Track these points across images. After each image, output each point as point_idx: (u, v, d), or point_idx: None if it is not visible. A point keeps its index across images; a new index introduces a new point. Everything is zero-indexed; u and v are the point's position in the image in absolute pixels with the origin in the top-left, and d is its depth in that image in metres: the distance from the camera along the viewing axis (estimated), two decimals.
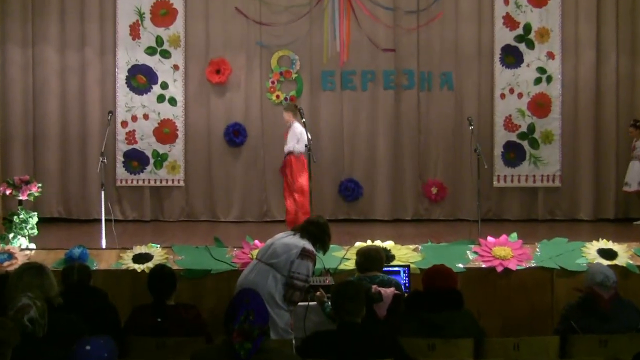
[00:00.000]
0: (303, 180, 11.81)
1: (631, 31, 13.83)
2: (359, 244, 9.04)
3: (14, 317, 4.79)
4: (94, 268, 8.67)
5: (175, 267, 8.50)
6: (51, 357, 4.79)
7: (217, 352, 4.75)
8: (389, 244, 9.36)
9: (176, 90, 13.85)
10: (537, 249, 9.43)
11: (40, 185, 10.56)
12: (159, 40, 13.78)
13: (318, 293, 6.97)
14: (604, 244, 9.43)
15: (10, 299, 5.11)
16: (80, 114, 13.84)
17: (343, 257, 8.90)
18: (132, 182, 13.75)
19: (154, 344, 5.93)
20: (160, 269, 6.72)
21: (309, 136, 10.97)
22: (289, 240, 7.02)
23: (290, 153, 12.15)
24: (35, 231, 10.11)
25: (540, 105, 13.84)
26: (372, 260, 7.16)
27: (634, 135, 13.09)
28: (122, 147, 13.74)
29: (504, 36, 13.88)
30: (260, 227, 12.36)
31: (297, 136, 12.03)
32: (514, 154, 13.74)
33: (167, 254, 9.25)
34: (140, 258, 9.23)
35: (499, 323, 8.39)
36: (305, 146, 10.96)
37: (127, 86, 13.79)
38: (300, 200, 11.94)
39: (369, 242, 9.29)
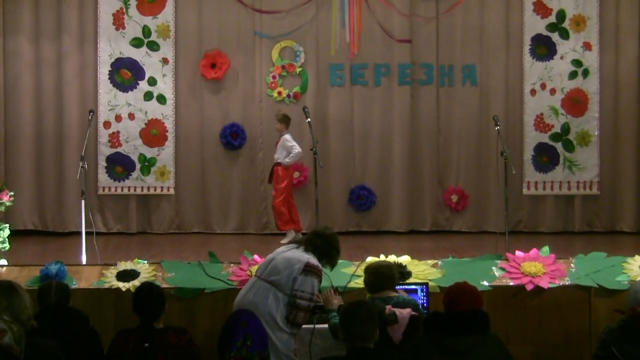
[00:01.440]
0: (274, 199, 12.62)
1: None
2: (370, 259, 9.05)
3: None
4: (73, 287, 8.68)
5: (164, 285, 8.53)
6: None
7: None
8: (404, 259, 9.39)
9: (165, 86, 13.90)
10: (573, 265, 9.44)
11: (12, 193, 10.60)
12: (146, 31, 13.84)
13: (328, 293, 6.95)
14: None
15: None
16: (57, 113, 13.88)
17: (353, 274, 8.92)
18: (116, 190, 13.79)
19: None
20: (148, 287, 6.73)
21: (315, 138, 10.99)
22: (291, 254, 7.03)
23: (278, 164, 12.54)
24: (6, 245, 10.15)
25: (575, 103, 13.87)
26: (383, 278, 7.14)
27: None
28: (104, 150, 13.77)
29: (535, 24, 13.93)
30: (260, 240, 12.40)
31: (288, 149, 12.45)
32: (546, 158, 13.76)
33: (155, 270, 9.27)
34: (125, 275, 9.25)
35: (529, 349, 8.40)
36: (311, 149, 10.97)
37: (110, 82, 13.83)
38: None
39: (382, 257, 9.32)
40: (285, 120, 12.67)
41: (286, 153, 12.42)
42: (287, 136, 12.51)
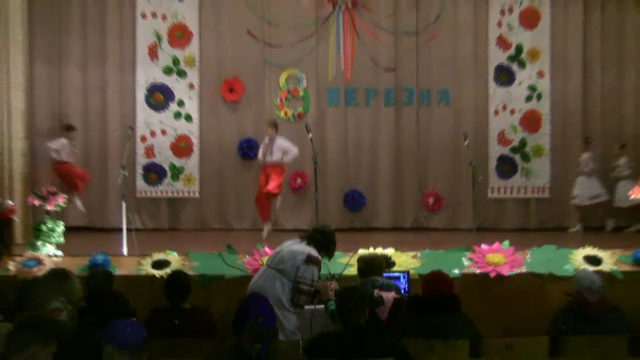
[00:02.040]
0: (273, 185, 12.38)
1: (615, 49, 13.93)
2: (362, 251, 9.04)
3: None
4: (116, 274, 8.64)
5: (190, 272, 8.49)
6: (78, 358, 4.81)
7: (229, 354, 4.76)
8: (390, 251, 9.35)
9: (191, 107, 13.88)
10: (528, 256, 9.41)
11: (65, 196, 10.60)
12: (176, 61, 13.83)
13: (322, 285, 6.94)
14: (590, 250, 9.44)
15: (39, 301, 5.14)
16: (102, 130, 13.88)
17: (347, 263, 8.89)
18: (150, 193, 13.78)
19: (170, 345, 5.94)
20: (177, 274, 6.75)
21: (316, 151, 10.96)
22: (295, 247, 7.01)
23: (277, 163, 12.46)
24: (61, 239, 10.12)
25: (531, 121, 13.88)
26: (372, 266, 7.16)
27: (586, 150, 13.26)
28: (141, 160, 13.78)
29: (498, 56, 13.94)
30: (270, 235, 12.36)
31: (286, 150, 12.48)
32: (507, 167, 13.78)
33: (183, 260, 9.26)
34: (158, 264, 9.24)
35: (494, 325, 8.36)
36: (312, 159, 10.94)
37: (146, 103, 13.83)
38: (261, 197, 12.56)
39: (371, 249, 9.30)
40: (276, 125, 12.63)
41: (281, 154, 12.42)
42: (283, 139, 12.55)
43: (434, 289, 6.37)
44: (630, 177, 12.77)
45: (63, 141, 12.94)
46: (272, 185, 12.33)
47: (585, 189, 13.14)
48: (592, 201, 13.15)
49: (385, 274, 7.43)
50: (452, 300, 6.33)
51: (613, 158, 13.26)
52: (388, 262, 8.94)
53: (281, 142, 12.48)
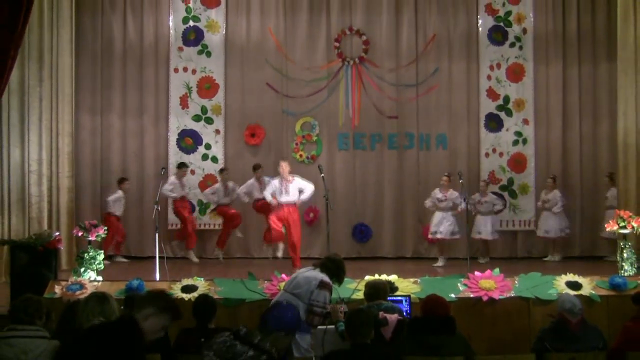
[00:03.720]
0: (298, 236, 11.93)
1: (591, 101, 13.95)
2: (368, 277, 9.02)
3: None
4: None
5: (215, 296, 8.46)
6: None
7: None
8: (393, 278, 9.32)
9: (217, 150, 13.97)
10: (516, 282, 9.37)
11: (106, 228, 10.63)
12: (204, 109, 13.93)
13: (333, 308, 6.92)
14: (571, 277, 9.41)
15: (81, 320, 5.16)
16: (139, 170, 13.97)
17: (355, 288, 8.84)
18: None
19: None
20: (204, 298, 6.72)
21: (327, 189, 10.98)
22: (309, 274, 7.00)
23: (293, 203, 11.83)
24: (101, 266, 10.13)
25: (517, 163, 13.92)
26: (379, 290, 7.14)
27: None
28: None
29: (488, 105, 14.01)
30: (287, 263, 12.28)
31: (301, 186, 11.78)
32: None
33: (209, 285, 9.24)
34: (187, 289, 9.22)
35: (485, 344, 8.30)
36: (324, 196, 10.93)
37: (177, 147, 13.92)
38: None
39: (376, 276, 9.28)
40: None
41: (298, 193, 11.74)
42: (299, 179, 11.88)
43: (431, 311, 6.34)
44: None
45: (119, 194, 13.14)
46: (297, 237, 11.79)
47: (555, 223, 13.13)
48: (562, 233, 13.17)
49: (389, 298, 7.42)
50: (448, 321, 6.29)
51: (606, 188, 13.15)
52: (392, 288, 8.91)
53: (298, 181, 11.88)
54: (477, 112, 14.03)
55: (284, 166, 11.83)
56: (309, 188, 11.81)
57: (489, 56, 14.02)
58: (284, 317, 4.90)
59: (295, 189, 11.77)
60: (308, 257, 12.68)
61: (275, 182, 11.85)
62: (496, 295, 9.09)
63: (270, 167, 13.73)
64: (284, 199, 11.70)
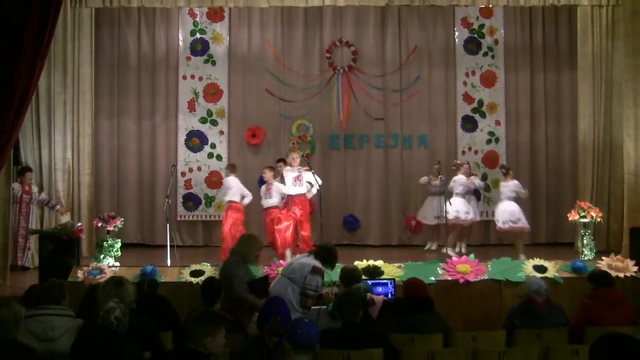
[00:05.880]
0: (309, 233, 11.54)
1: (556, 104, 13.98)
2: (357, 263, 9.06)
3: (103, 316, 4.84)
4: (161, 281, 8.70)
5: None
6: (131, 349, 4.83)
7: (252, 345, 4.80)
8: (379, 263, 9.39)
9: (222, 149, 13.94)
10: (489, 266, 9.43)
11: (122, 219, 10.65)
12: (209, 112, 13.91)
13: (325, 292, 6.94)
14: (538, 261, 9.48)
15: (100, 301, 5.20)
16: (151, 167, 13.92)
17: None
18: (189, 217, 13.80)
19: None
20: (211, 281, 6.74)
21: (320, 182, 11.02)
22: (304, 260, 7.03)
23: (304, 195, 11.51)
24: (119, 253, 10.18)
25: (491, 159, 13.94)
26: (350, 276, 7.00)
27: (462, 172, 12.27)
28: (181, 191, 13.82)
29: (464, 108, 14.01)
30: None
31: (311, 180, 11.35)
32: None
33: (215, 270, 9.24)
34: (195, 273, 9.28)
35: (462, 322, 8.36)
36: (318, 190, 10.97)
37: (186, 146, 13.89)
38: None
39: (364, 262, 9.32)
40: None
41: (308, 186, 11.32)
42: (310, 173, 11.36)
43: (411, 293, 6.38)
44: None
45: None
46: (308, 233, 11.47)
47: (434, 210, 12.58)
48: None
49: (376, 281, 7.45)
50: (427, 301, 6.33)
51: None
52: (377, 272, 8.98)
53: (308, 174, 11.38)
54: (455, 114, 14.02)
55: (295, 157, 11.54)
56: (316, 183, 11.19)
57: (465, 64, 14.01)
58: (312, 334, 4.90)
59: (304, 182, 11.38)
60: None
61: (290, 174, 11.35)
62: (471, 278, 9.15)
63: (270, 163, 13.71)
64: (295, 190, 11.35)
